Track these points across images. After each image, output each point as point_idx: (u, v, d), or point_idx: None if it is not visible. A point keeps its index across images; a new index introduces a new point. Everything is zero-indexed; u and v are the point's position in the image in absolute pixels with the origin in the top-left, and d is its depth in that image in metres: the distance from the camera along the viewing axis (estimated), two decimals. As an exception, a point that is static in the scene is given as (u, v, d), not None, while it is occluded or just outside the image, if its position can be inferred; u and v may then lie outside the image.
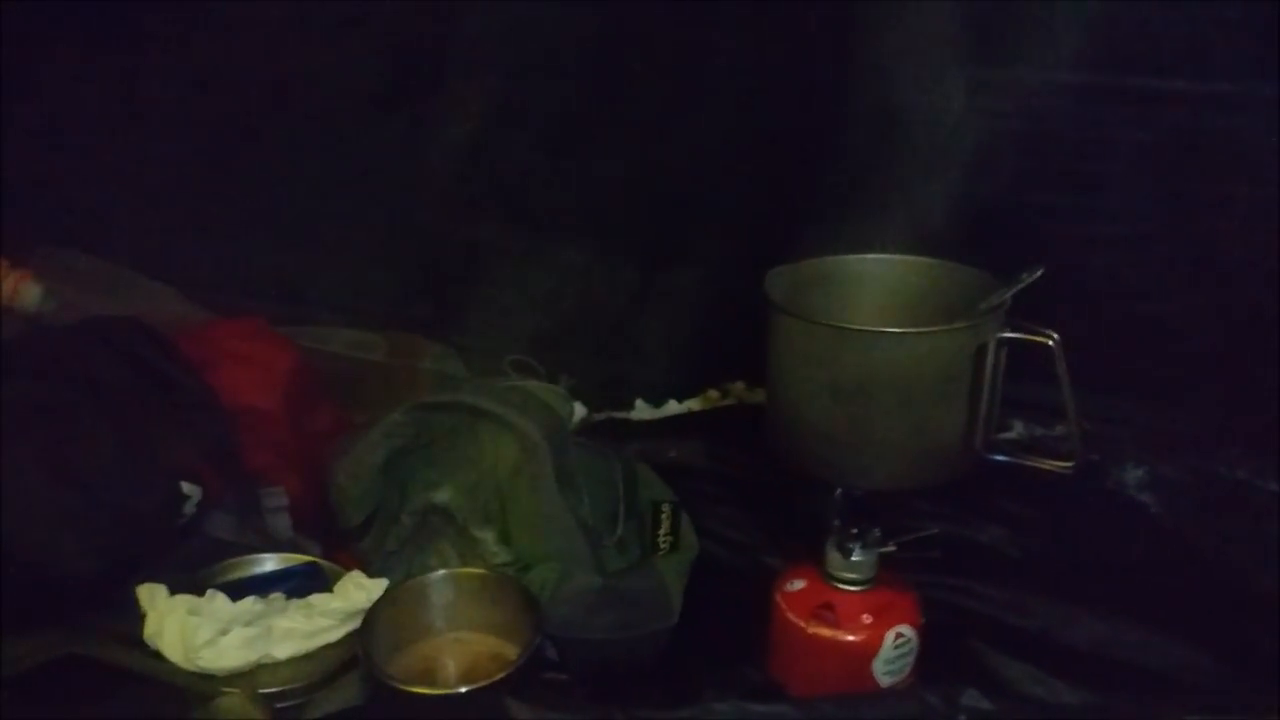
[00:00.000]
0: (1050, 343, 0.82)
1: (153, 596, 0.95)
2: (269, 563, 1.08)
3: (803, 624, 0.92)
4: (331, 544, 1.12)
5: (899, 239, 1.00)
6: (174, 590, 0.96)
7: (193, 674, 0.92)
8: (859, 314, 0.93)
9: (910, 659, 0.93)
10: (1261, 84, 1.12)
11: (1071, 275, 1.24)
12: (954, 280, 0.93)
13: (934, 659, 0.95)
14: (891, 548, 0.92)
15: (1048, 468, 0.87)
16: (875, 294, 0.96)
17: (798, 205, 1.35)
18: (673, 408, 1.51)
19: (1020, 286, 0.83)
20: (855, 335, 0.82)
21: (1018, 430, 1.36)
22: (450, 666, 0.95)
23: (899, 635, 0.91)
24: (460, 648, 0.96)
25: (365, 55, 1.36)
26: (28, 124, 1.35)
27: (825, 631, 0.91)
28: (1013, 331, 0.83)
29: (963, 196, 1.17)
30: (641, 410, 1.51)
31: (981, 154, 1.20)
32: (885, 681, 0.91)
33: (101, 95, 1.38)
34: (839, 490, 0.90)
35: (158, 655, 0.92)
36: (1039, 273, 0.83)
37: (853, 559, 0.91)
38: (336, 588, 1.00)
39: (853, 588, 0.92)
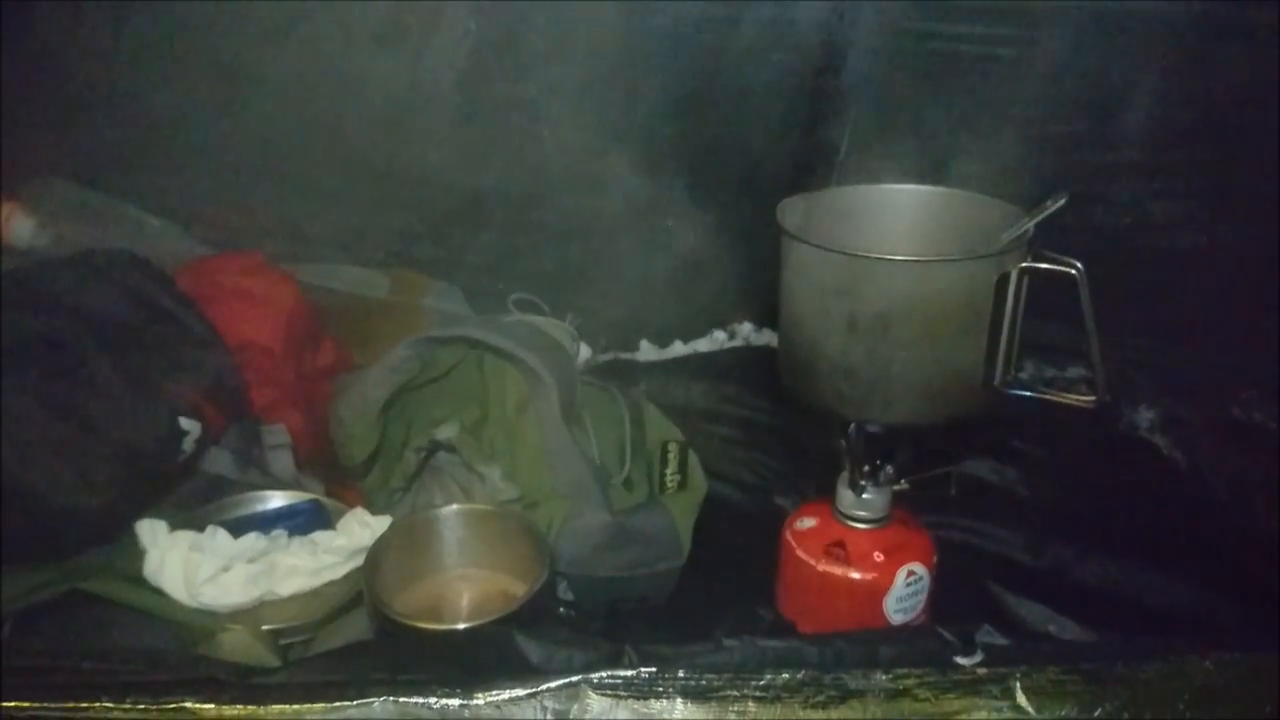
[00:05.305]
0: (1074, 272, 0.80)
1: (154, 533, 0.93)
2: (271, 500, 1.06)
3: (814, 562, 0.91)
4: (334, 481, 1.11)
5: (915, 171, 0.97)
6: (174, 527, 0.94)
7: (195, 610, 0.91)
8: (876, 244, 0.90)
9: (922, 597, 0.92)
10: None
11: (1089, 209, 1.23)
12: (974, 210, 0.90)
13: (946, 597, 0.94)
14: (904, 485, 0.91)
15: (1069, 402, 0.86)
16: (893, 224, 0.93)
17: (806, 143, 1.33)
18: (678, 349, 1.50)
19: (1044, 215, 0.81)
20: (874, 265, 0.80)
21: (1029, 371, 1.35)
22: (457, 603, 0.94)
23: (911, 573, 0.90)
24: (467, 584, 0.95)
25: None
26: (25, 56, 1.31)
27: (836, 569, 0.90)
28: (1036, 261, 0.81)
29: (982, 126, 1.15)
30: (647, 352, 1.49)
31: (999, 82, 1.18)
32: (897, 620, 0.91)
33: (100, 30, 1.34)
34: (853, 426, 0.89)
35: (159, 592, 0.91)
36: (1063, 200, 0.80)
37: (864, 497, 0.90)
38: (340, 525, 0.99)
39: (864, 526, 0.91)
